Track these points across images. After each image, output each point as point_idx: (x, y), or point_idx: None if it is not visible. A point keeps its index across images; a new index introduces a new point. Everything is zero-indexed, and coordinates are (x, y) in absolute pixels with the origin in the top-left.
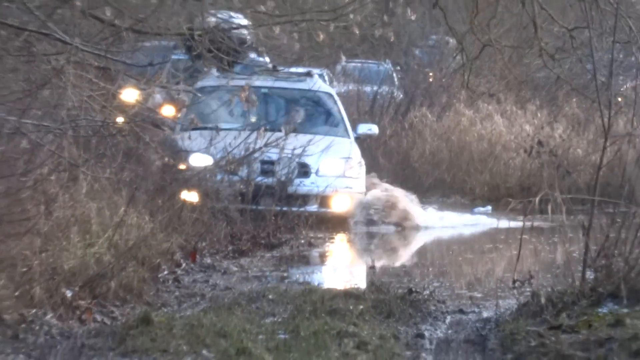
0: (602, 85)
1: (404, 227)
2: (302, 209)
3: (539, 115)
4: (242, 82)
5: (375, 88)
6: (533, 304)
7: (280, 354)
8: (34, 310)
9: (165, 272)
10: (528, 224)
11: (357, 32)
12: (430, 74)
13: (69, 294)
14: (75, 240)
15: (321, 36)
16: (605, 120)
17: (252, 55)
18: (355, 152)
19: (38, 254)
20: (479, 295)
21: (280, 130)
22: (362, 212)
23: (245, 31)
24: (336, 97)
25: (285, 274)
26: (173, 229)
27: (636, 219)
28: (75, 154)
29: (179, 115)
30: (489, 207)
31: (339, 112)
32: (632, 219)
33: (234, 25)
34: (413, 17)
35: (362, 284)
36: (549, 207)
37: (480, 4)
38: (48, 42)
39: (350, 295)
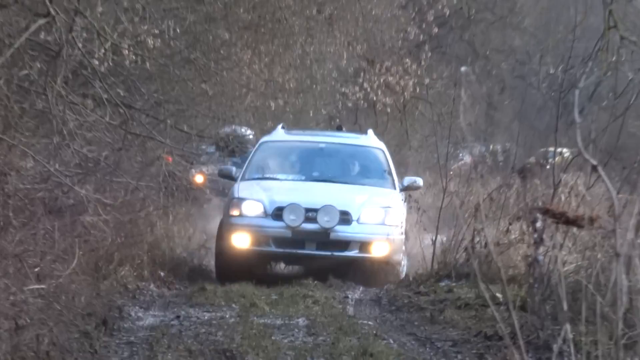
0: (442, 165)
1: None
2: (343, 254)
3: None
4: (304, 138)
5: None
6: (406, 280)
7: (273, 305)
8: (143, 283)
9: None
10: None
11: None
12: None
13: (162, 274)
14: (165, 246)
15: None
16: (444, 183)
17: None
18: (397, 202)
19: (146, 253)
20: None
21: (336, 182)
22: None
23: (251, 136)
24: (386, 152)
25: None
26: None
27: (460, 235)
28: (166, 200)
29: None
30: None
31: (388, 165)
32: (459, 236)
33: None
34: None
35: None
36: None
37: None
38: (153, 142)
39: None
